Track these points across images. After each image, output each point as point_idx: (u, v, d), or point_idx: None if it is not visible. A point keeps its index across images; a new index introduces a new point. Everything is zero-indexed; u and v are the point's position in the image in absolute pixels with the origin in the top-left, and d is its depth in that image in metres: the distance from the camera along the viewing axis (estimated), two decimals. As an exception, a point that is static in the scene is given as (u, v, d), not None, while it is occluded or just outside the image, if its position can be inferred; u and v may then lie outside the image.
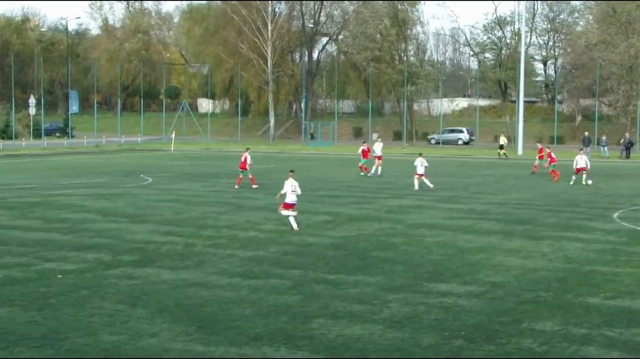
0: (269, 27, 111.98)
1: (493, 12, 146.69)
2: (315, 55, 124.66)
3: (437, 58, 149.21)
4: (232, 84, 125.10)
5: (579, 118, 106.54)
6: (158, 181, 47.70)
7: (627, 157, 76.96)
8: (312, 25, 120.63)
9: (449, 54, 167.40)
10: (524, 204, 37.04)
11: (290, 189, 28.89)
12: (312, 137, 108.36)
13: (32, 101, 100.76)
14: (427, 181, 43.29)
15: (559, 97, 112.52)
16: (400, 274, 20.80)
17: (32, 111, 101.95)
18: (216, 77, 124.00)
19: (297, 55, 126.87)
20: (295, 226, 28.51)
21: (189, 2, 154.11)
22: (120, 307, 17.37)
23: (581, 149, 46.40)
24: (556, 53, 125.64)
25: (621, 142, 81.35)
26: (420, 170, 43.64)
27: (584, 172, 46.28)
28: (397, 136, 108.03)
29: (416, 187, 43.03)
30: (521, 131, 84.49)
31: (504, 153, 75.21)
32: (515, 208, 35.55)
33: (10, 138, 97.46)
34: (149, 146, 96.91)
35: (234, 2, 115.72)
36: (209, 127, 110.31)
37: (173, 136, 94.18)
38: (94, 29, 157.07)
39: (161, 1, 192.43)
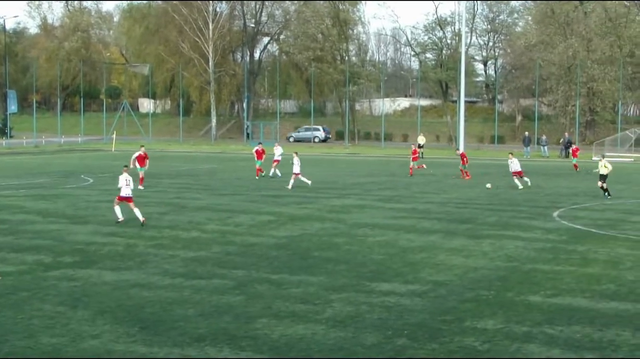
0: (210, 27, 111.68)
1: (434, 13, 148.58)
2: (257, 55, 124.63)
3: (379, 58, 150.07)
4: (174, 84, 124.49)
5: (519, 118, 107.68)
6: (99, 182, 47.33)
7: (567, 156, 77.98)
8: (253, 25, 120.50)
9: (390, 54, 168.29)
10: (465, 204, 37.34)
11: (125, 183, 30.26)
12: (249, 137, 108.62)
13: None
14: (304, 179, 44.30)
15: (499, 97, 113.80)
16: (343, 274, 20.85)
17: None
18: (157, 76, 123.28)
19: (238, 55, 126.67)
20: (140, 217, 29.54)
21: (129, 1, 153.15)
22: (60, 309, 17.21)
23: (511, 153, 45.96)
24: (496, 53, 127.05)
25: (561, 141, 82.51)
26: (297, 169, 44.25)
27: (522, 176, 45.35)
28: (340, 136, 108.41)
29: (290, 187, 43.54)
30: (462, 130, 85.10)
31: (422, 153, 76.27)
32: (457, 207, 35.84)
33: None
34: (90, 146, 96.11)
35: (174, 2, 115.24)
36: (150, 127, 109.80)
37: (114, 136, 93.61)
38: (33, 28, 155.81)
39: (101, 0, 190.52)
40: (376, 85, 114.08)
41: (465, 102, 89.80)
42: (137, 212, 29.80)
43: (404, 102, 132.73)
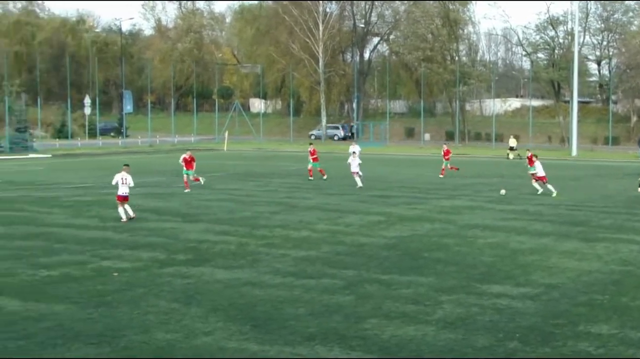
0: (320, 28, 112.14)
1: (545, 12, 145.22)
2: (366, 55, 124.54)
3: (489, 58, 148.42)
4: (284, 84, 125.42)
5: (634, 119, 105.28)
6: (211, 181, 47.91)
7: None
8: (363, 26, 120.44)
9: (501, 54, 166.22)
10: (578, 206, 36.65)
11: (121, 182, 30.99)
12: (353, 136, 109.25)
13: (87, 101, 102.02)
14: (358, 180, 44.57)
15: (613, 97, 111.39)
16: (453, 275, 20.70)
17: (87, 110, 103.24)
18: (268, 77, 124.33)
19: (348, 55, 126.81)
20: (131, 213, 30.72)
21: (240, 2, 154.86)
22: (175, 305, 17.48)
23: (535, 156, 43.09)
24: (610, 53, 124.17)
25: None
26: (355, 168, 44.76)
27: (545, 182, 42.40)
28: (450, 136, 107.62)
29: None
30: (575, 131, 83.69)
31: (510, 154, 75.50)
32: (569, 210, 35.20)
33: (67, 137, 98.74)
34: (202, 146, 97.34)
35: (285, 3, 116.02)
36: (261, 127, 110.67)
37: (226, 135, 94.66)
38: (147, 30, 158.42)
39: (213, 1, 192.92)
40: (487, 85, 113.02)
41: (578, 102, 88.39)
42: (128, 208, 30.90)
43: (515, 103, 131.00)
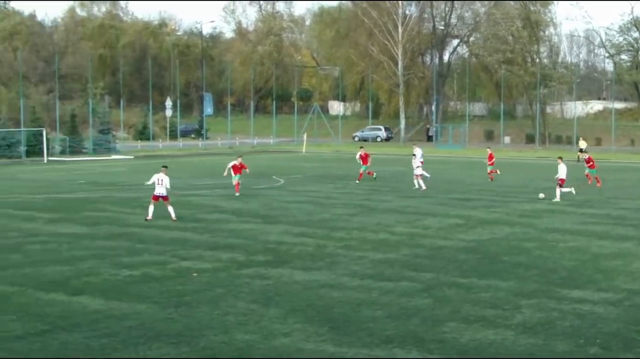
0: (400, 30, 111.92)
1: (629, 13, 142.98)
2: (446, 57, 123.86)
3: (571, 60, 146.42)
4: (363, 87, 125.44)
5: None
6: (290, 183, 48.12)
7: None
8: (442, 28, 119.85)
9: (582, 56, 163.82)
10: (661, 210, 35.99)
11: (157, 182, 31.29)
12: (429, 138, 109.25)
13: (168, 103, 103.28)
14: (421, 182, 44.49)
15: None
16: (533, 279, 20.49)
17: (168, 112, 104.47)
18: (347, 79, 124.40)
19: (427, 58, 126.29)
20: (173, 215, 31.02)
21: (320, 4, 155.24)
22: (253, 306, 17.59)
23: (560, 157, 41.92)
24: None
25: None
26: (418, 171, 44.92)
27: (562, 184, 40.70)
28: (530, 139, 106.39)
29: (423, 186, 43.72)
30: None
31: (581, 156, 74.28)
32: (653, 214, 34.58)
33: (148, 139, 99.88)
34: (281, 148, 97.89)
35: (364, 5, 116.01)
36: (340, 129, 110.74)
37: (305, 137, 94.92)
38: (228, 32, 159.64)
39: (293, 1, 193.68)
40: (568, 87, 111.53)
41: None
42: (171, 210, 31.16)
43: (597, 105, 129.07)
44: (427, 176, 46.95)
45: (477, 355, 14.24)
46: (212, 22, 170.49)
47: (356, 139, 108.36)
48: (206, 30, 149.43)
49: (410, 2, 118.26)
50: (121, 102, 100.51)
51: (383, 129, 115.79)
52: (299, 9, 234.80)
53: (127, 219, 31.75)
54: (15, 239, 26.78)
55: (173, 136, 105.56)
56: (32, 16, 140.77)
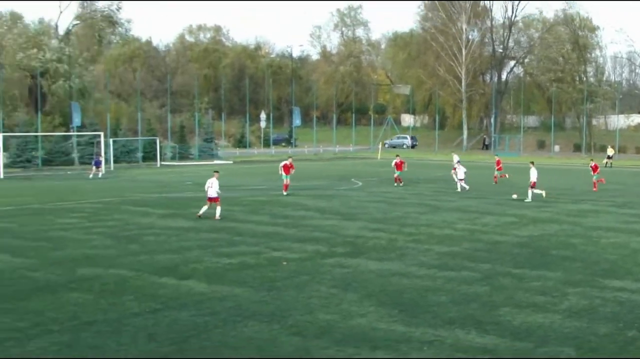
0: (463, 52, 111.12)
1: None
2: (503, 76, 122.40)
3: (614, 78, 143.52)
4: (431, 102, 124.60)
5: None
6: (367, 185, 48.10)
7: None
8: (501, 50, 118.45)
9: (625, 75, 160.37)
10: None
11: (209, 186, 31.16)
12: (486, 147, 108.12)
13: (262, 115, 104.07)
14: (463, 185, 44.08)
15: None
16: (578, 271, 20.24)
17: (262, 124, 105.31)
18: (417, 95, 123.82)
19: (487, 77, 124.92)
20: (217, 216, 30.68)
21: (394, 29, 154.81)
22: (334, 291, 17.68)
23: (532, 162, 40.36)
24: None
25: None
26: (461, 175, 44.48)
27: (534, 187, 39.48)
28: (577, 148, 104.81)
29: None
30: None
31: (610, 163, 73.38)
32: (687, 214, 33.77)
33: (245, 147, 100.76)
34: (359, 155, 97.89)
35: (433, 31, 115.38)
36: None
37: (380, 146, 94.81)
38: (314, 55, 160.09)
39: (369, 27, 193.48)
40: (611, 102, 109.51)
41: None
42: (218, 211, 30.96)
43: (637, 118, 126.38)
44: (466, 187, 45.34)
45: (528, 336, 14.14)
46: (300, 46, 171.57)
47: (386, 146, 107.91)
48: (296, 53, 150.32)
49: (473, 28, 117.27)
50: (222, 115, 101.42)
51: (409, 138, 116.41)
52: (376, 34, 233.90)
53: (227, 215, 32.04)
54: (134, 231, 27.29)
55: (266, 144, 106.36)
56: (149, 42, 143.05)
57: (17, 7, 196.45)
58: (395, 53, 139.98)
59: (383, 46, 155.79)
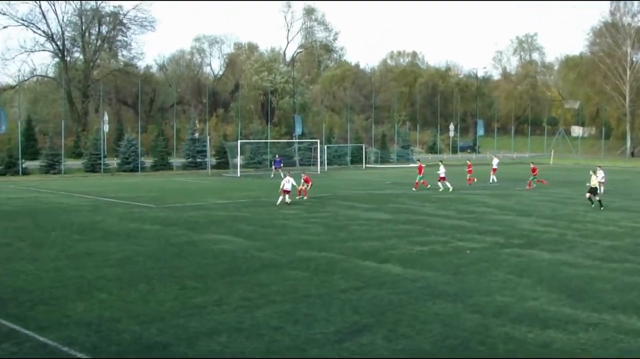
0: (628, 73, 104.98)
1: None
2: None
3: None
4: (598, 115, 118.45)
5: None
6: (539, 186, 46.36)
7: None
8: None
9: None
10: None
11: (286, 181, 33.40)
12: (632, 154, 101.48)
13: (451, 126, 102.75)
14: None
15: None
16: None
17: (451, 133, 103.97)
18: (585, 109, 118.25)
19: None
20: (287, 200, 32.94)
21: (566, 53, 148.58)
22: (510, 277, 17.21)
23: (441, 161, 35.67)
24: None
25: None
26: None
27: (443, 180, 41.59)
28: None
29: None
30: None
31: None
32: None
33: (436, 152, 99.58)
34: (534, 160, 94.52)
35: (600, 54, 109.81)
36: (579, 147, 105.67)
37: (552, 153, 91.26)
38: (496, 75, 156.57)
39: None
40: None
41: None
42: (282, 198, 33.01)
43: None
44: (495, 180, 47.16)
45: (686, 324, 13.15)
46: (484, 68, 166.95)
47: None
48: (480, 73, 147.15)
49: (637, 51, 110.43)
50: (417, 126, 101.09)
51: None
52: (549, 57, 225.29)
53: (419, 209, 31.99)
54: (342, 222, 27.67)
55: (454, 151, 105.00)
56: (357, 65, 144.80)
57: (253, 38, 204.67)
58: (566, 73, 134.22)
59: (556, 67, 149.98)
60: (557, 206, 33.85)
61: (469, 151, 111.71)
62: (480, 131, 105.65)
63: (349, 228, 25.68)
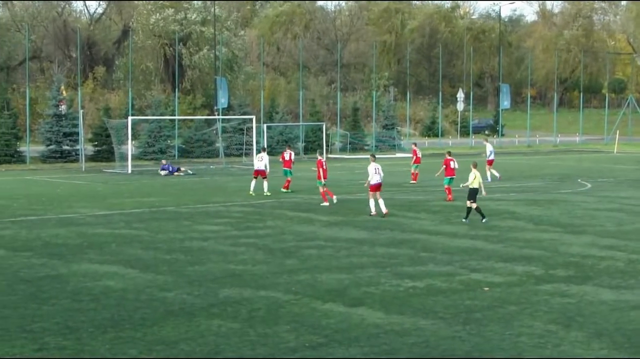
0: None
1: None
2: None
3: None
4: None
5: None
6: (597, 187, 47.00)
7: None
8: None
9: None
10: None
11: (374, 172, 34.35)
12: None
13: (460, 95, 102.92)
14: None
15: None
16: None
17: (459, 106, 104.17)
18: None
19: None
20: (383, 209, 33.71)
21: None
22: (552, 327, 17.32)
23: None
24: None
25: None
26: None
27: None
28: None
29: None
30: None
31: None
32: None
33: (437, 136, 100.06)
34: (588, 147, 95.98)
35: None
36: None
37: (617, 136, 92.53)
38: (529, 15, 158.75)
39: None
40: None
41: None
42: (381, 203, 33.91)
43: None
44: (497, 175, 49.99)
45: None
46: (512, 3, 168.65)
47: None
48: (504, 12, 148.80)
49: None
50: (407, 94, 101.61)
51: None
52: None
53: (411, 224, 32.08)
54: (291, 243, 27.61)
55: (465, 133, 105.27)
56: (314, 0, 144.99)
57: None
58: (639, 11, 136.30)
59: (624, 2, 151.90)
60: (626, 218, 34.27)
61: (486, 132, 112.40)
62: (505, 103, 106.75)
63: (302, 253, 25.69)
